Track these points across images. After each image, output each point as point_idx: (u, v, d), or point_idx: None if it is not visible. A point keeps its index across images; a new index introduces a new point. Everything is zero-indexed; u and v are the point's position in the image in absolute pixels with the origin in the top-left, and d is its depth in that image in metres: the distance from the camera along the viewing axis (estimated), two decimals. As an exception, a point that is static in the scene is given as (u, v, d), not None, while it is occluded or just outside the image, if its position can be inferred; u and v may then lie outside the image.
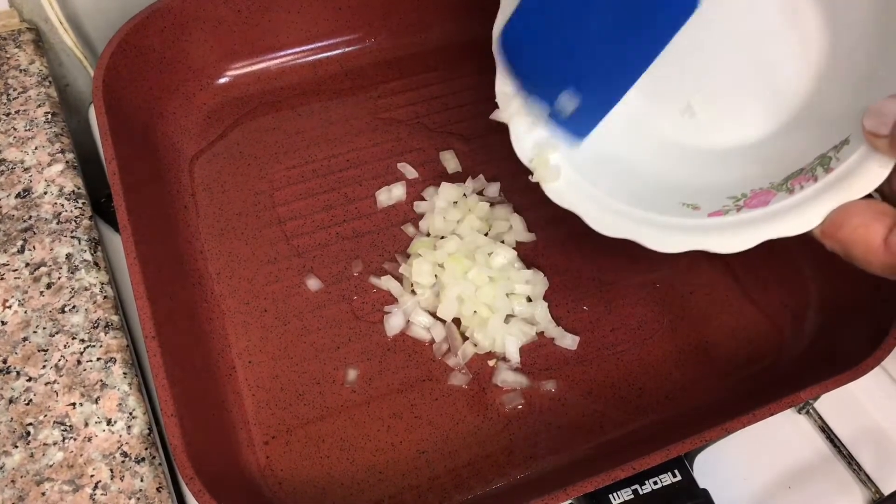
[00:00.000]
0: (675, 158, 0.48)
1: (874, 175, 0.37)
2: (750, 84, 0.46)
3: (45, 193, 0.57)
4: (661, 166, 0.48)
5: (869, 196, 0.38)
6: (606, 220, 0.46)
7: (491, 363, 0.54)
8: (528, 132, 0.50)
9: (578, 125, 0.47)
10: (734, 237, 0.42)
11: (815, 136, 0.42)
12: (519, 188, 0.63)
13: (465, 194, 0.61)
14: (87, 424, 0.47)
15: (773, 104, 0.46)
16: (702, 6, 0.40)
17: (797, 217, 0.40)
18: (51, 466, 0.46)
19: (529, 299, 0.56)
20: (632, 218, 0.45)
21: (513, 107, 0.49)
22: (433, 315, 0.56)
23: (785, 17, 0.44)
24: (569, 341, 0.55)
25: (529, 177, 0.49)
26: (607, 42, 0.42)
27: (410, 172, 0.63)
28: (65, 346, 0.50)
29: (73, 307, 0.52)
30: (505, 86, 0.49)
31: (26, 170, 0.58)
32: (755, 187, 0.43)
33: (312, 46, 0.69)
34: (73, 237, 0.55)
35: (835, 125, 0.41)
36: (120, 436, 0.47)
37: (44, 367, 0.49)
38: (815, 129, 0.43)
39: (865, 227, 0.36)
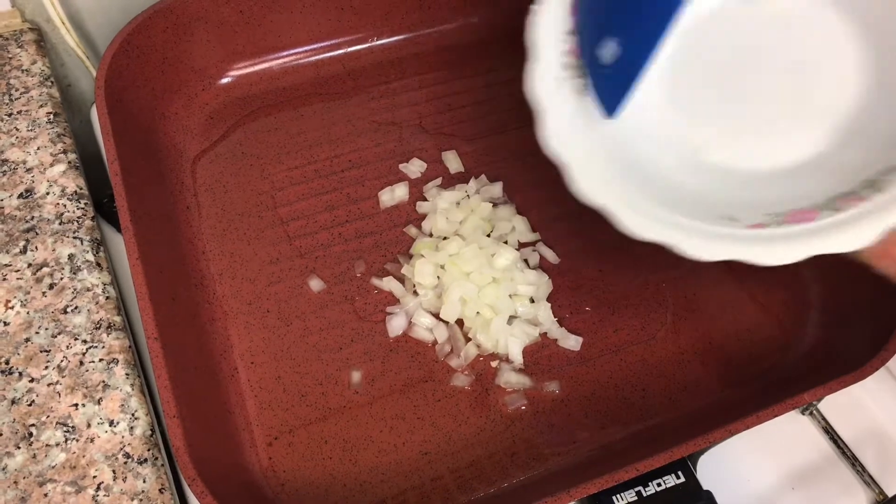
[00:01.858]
0: (715, 176, 0.47)
1: None
2: (792, 108, 0.46)
3: (48, 194, 0.57)
4: (700, 180, 0.47)
5: None
6: (641, 221, 0.44)
7: (494, 364, 0.54)
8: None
9: (616, 84, 0.44)
10: (781, 249, 0.41)
11: (860, 159, 0.42)
12: (521, 188, 0.63)
13: (467, 194, 0.61)
14: (89, 425, 0.47)
15: (816, 128, 0.45)
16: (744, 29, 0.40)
17: (850, 234, 0.39)
18: (53, 467, 0.46)
19: (532, 300, 0.56)
20: (668, 222, 0.44)
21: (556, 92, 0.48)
22: (435, 316, 0.55)
23: (827, 44, 0.44)
24: (572, 342, 0.55)
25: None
26: None
27: (413, 173, 0.63)
28: (67, 347, 0.50)
29: (76, 308, 0.52)
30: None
31: (28, 170, 0.58)
32: (796, 206, 0.43)
33: (315, 47, 0.69)
34: (75, 238, 0.55)
35: (882, 147, 0.41)
36: (122, 437, 0.47)
37: (46, 367, 0.49)
38: (862, 151, 0.43)
39: None
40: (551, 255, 0.59)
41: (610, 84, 0.45)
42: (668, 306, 0.57)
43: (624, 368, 0.54)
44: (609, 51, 0.44)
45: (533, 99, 0.47)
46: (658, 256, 0.59)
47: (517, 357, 0.54)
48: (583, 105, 0.47)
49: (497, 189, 0.62)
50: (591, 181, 0.46)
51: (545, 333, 0.55)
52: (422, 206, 0.61)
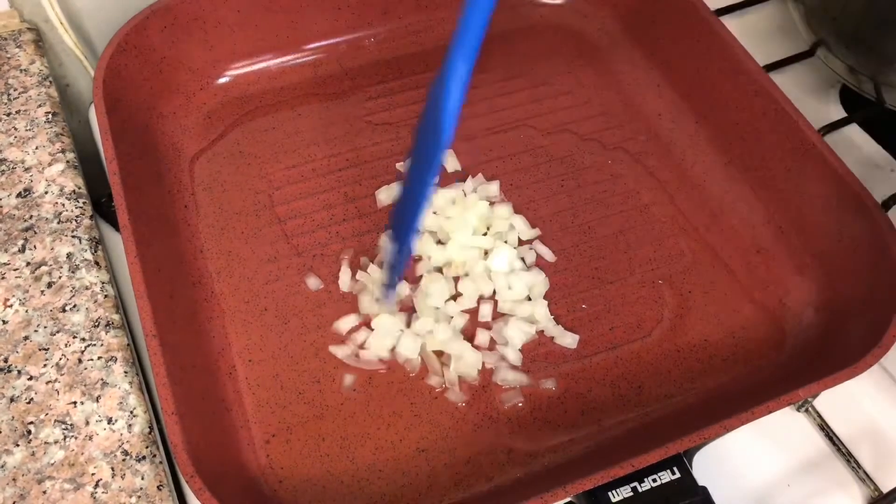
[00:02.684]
0: None
1: None
2: None
3: (46, 193, 0.57)
4: None
5: None
6: None
7: (490, 363, 0.54)
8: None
9: (390, 279, 0.53)
10: None
11: None
12: (518, 187, 0.63)
13: (464, 192, 0.61)
14: (87, 423, 0.47)
15: None
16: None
17: None
18: (52, 465, 0.46)
19: (529, 298, 0.56)
20: None
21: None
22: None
23: None
24: (569, 340, 0.55)
25: None
26: (406, 197, 0.49)
27: (410, 172, 0.63)
28: (66, 345, 0.50)
29: (74, 306, 0.52)
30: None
31: (27, 169, 0.58)
32: None
33: (312, 46, 0.69)
34: (73, 236, 0.55)
35: None
36: (121, 434, 0.47)
37: (45, 365, 0.49)
38: None
39: None
40: (548, 254, 0.59)
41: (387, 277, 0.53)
42: (664, 304, 0.57)
43: (620, 365, 0.54)
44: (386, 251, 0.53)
45: None
46: (654, 255, 0.60)
47: (514, 355, 0.54)
48: None
49: (494, 188, 0.62)
50: None
51: (542, 331, 0.56)
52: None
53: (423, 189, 0.46)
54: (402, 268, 0.52)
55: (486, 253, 0.58)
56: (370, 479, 0.49)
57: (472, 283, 0.56)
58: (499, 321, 0.56)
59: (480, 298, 0.57)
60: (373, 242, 0.60)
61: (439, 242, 0.59)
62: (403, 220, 0.49)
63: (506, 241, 0.59)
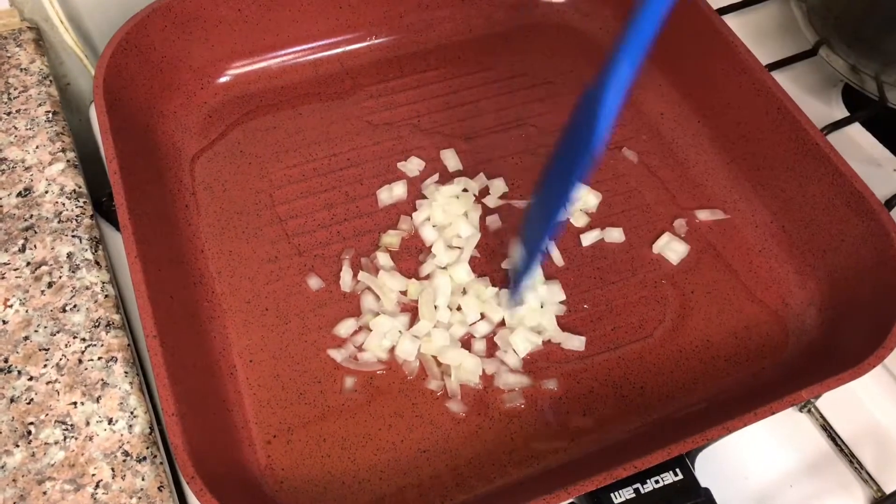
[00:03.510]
0: None
1: None
2: None
3: (46, 192, 0.57)
4: None
5: None
6: None
7: (490, 370, 0.54)
8: None
9: (518, 281, 0.54)
10: None
11: None
12: (520, 186, 0.63)
13: (465, 189, 0.61)
14: (88, 423, 0.47)
15: None
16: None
17: None
18: (52, 465, 0.46)
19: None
20: None
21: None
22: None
23: None
24: (576, 343, 0.55)
25: None
26: (545, 199, 0.50)
27: (411, 171, 0.63)
28: (66, 346, 0.50)
29: (75, 306, 0.52)
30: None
31: (27, 169, 0.58)
32: None
33: (313, 45, 0.69)
34: (74, 236, 0.55)
35: None
36: (121, 435, 0.47)
37: (45, 366, 0.49)
38: None
39: None
40: (557, 257, 0.59)
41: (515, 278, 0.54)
42: (667, 304, 0.57)
43: (622, 366, 0.54)
44: (517, 253, 0.53)
45: None
46: (657, 254, 0.60)
47: (514, 360, 0.54)
48: None
49: (500, 184, 0.62)
50: None
51: (548, 340, 0.55)
52: (421, 204, 0.61)
53: (565, 189, 0.46)
54: (533, 269, 0.52)
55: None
56: (371, 480, 0.49)
57: (476, 301, 0.56)
58: (503, 328, 0.55)
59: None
60: (374, 242, 0.59)
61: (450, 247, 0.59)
62: (540, 221, 0.49)
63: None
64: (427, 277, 0.57)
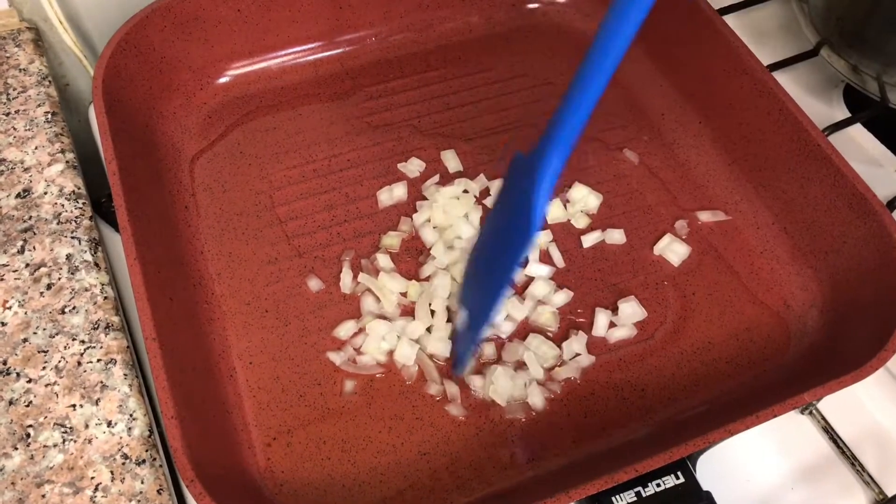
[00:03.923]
0: None
1: None
2: None
3: (46, 193, 0.57)
4: None
5: None
6: None
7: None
8: None
9: (461, 355, 0.52)
10: None
11: None
12: (520, 188, 0.62)
13: (465, 190, 0.61)
14: (87, 426, 0.47)
15: None
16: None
17: None
18: (51, 468, 0.46)
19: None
20: None
21: None
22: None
23: None
24: (586, 362, 0.54)
25: None
26: (483, 278, 0.49)
27: (411, 172, 0.63)
28: (65, 348, 0.50)
29: (74, 308, 0.52)
30: None
31: (26, 170, 0.58)
32: None
33: (313, 46, 0.69)
34: (73, 237, 0.55)
35: None
36: (120, 438, 0.47)
37: (44, 368, 0.49)
38: None
39: None
40: (558, 258, 0.59)
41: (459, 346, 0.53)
42: (668, 306, 0.57)
43: (623, 368, 0.54)
44: (461, 318, 0.52)
45: None
46: (658, 255, 0.60)
47: (538, 373, 0.53)
48: None
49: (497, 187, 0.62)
50: None
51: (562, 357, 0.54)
52: (421, 206, 0.61)
53: (503, 276, 0.45)
54: (475, 348, 0.51)
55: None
56: (371, 483, 0.49)
57: None
58: (515, 341, 0.55)
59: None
60: (374, 243, 0.59)
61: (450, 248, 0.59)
62: (480, 304, 0.48)
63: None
64: (427, 279, 0.57)
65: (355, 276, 0.57)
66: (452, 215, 0.59)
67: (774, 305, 0.57)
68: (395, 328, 0.54)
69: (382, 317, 0.55)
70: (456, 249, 0.58)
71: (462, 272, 0.55)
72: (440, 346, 0.54)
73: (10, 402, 0.48)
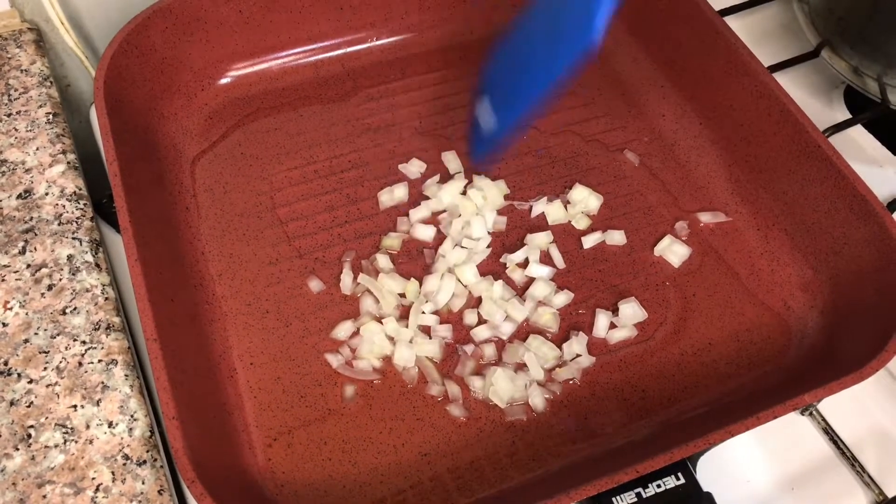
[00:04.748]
0: None
1: None
2: None
3: (47, 194, 0.57)
4: None
5: None
6: None
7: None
8: None
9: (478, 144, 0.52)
10: None
11: None
12: (521, 188, 0.62)
13: (467, 182, 0.62)
14: (88, 427, 0.47)
15: None
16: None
17: None
18: (52, 469, 0.46)
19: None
20: None
21: None
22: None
23: None
24: (577, 346, 0.54)
25: None
26: (524, 72, 0.47)
27: (412, 173, 0.63)
28: (66, 348, 0.50)
29: (75, 309, 0.52)
30: None
31: (27, 171, 0.58)
32: None
33: (314, 47, 0.69)
34: (74, 238, 0.55)
35: None
36: (121, 438, 0.47)
37: (45, 369, 0.49)
38: None
39: None
40: (558, 259, 0.59)
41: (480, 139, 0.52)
42: (668, 307, 0.57)
43: (623, 369, 0.54)
44: (485, 112, 0.50)
45: None
46: (658, 256, 0.60)
47: (539, 373, 0.53)
48: None
49: (500, 187, 0.62)
50: None
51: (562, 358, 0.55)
52: (421, 206, 0.61)
53: (543, 80, 0.41)
54: (501, 143, 0.48)
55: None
56: (372, 484, 0.49)
57: (493, 303, 0.56)
58: (515, 342, 0.55)
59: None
60: (375, 244, 0.59)
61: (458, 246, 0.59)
62: (510, 101, 0.44)
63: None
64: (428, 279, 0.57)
65: (356, 277, 0.57)
66: (467, 211, 0.60)
67: (775, 306, 0.57)
68: (388, 330, 0.54)
69: (381, 318, 0.55)
70: (463, 248, 0.58)
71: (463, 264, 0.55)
72: (432, 348, 0.54)
73: (12, 403, 0.48)
